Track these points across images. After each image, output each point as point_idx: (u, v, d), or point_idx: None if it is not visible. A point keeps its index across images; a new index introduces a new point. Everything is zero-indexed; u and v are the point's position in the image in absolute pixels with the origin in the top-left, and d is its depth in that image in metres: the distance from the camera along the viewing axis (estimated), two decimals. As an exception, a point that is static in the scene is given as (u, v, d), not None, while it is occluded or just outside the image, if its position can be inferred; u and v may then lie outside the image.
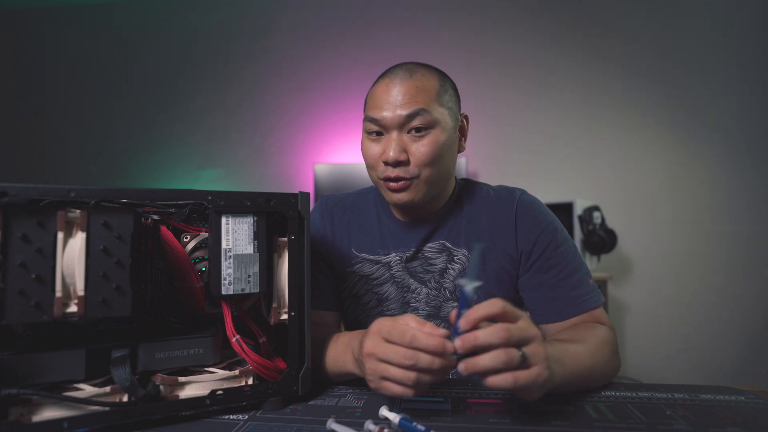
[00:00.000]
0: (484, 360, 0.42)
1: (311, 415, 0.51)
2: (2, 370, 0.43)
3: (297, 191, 0.55)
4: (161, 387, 0.49)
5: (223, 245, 0.51)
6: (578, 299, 0.69)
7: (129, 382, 0.46)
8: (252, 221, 0.53)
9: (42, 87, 3.02)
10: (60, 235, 0.44)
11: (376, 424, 0.45)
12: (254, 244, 0.53)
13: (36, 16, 3.03)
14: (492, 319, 0.45)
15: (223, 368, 0.54)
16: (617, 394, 0.57)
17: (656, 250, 2.45)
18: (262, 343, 0.56)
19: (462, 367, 0.43)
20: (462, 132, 0.75)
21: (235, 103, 2.86)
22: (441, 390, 0.59)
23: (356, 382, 0.61)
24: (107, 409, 0.45)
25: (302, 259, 0.56)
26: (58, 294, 0.43)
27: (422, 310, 0.75)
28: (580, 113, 2.56)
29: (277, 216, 0.57)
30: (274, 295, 0.55)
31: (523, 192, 0.77)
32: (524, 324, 0.45)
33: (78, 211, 0.45)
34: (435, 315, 0.75)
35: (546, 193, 2.46)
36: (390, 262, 0.76)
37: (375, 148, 0.70)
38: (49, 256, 0.43)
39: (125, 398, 0.47)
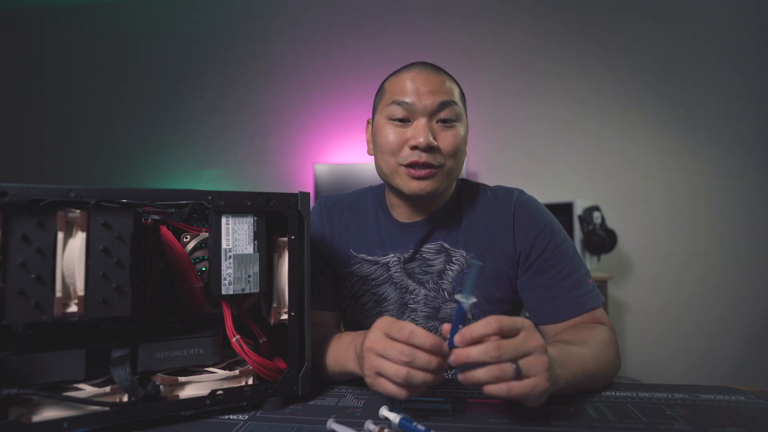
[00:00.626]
0: (479, 374, 0.44)
1: (311, 415, 0.51)
2: (2, 370, 0.43)
3: (297, 191, 0.55)
4: (161, 387, 0.49)
5: (223, 245, 0.51)
6: (577, 299, 0.69)
7: (129, 382, 0.46)
8: (252, 221, 0.53)
9: (42, 87, 3.02)
10: (60, 235, 0.44)
11: (376, 424, 0.45)
12: (254, 244, 0.53)
13: (36, 16, 3.03)
14: None
15: (223, 368, 0.54)
16: (617, 394, 0.57)
17: (656, 250, 2.45)
18: (262, 343, 0.56)
19: (460, 377, 0.45)
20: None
21: (235, 103, 2.86)
22: (441, 390, 0.59)
23: (356, 382, 0.61)
24: (107, 409, 0.45)
25: (302, 259, 0.56)
26: (58, 294, 0.43)
27: (421, 311, 0.75)
28: (580, 114, 2.56)
29: (277, 216, 0.57)
30: (274, 295, 0.55)
31: (521, 192, 0.77)
32: (523, 337, 0.45)
33: (78, 211, 0.45)
34: (434, 316, 0.75)
35: (546, 193, 2.47)
36: (388, 262, 0.76)
37: (399, 133, 0.69)
38: (49, 256, 0.43)
39: (125, 398, 0.47)
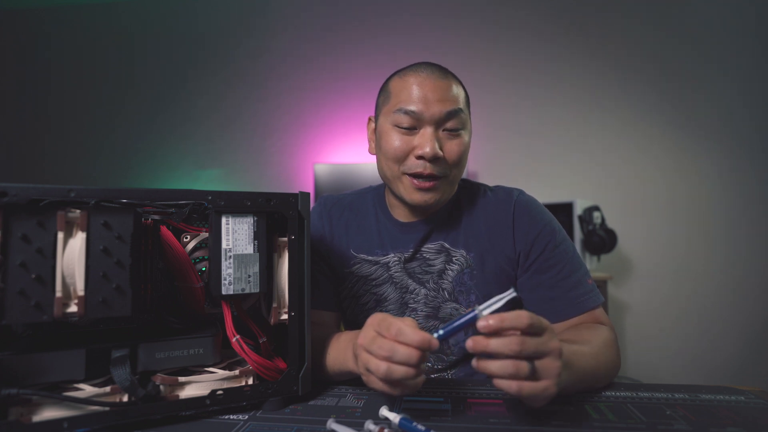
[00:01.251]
0: (493, 366, 0.43)
1: (311, 415, 0.51)
2: (2, 370, 0.43)
3: (297, 191, 0.55)
4: (161, 387, 0.49)
5: (223, 245, 0.51)
6: (577, 299, 0.69)
7: (129, 382, 0.46)
8: (252, 221, 0.53)
9: (42, 87, 3.02)
10: (60, 235, 0.44)
11: (376, 424, 0.45)
12: (254, 244, 0.53)
13: (37, 16, 3.03)
14: None
15: (223, 368, 0.54)
16: (617, 394, 0.57)
17: (656, 250, 2.45)
18: (262, 343, 0.56)
19: (475, 363, 0.44)
20: None
21: (235, 103, 2.86)
22: (441, 390, 0.59)
23: (356, 381, 0.61)
24: (107, 409, 0.45)
25: (302, 259, 0.56)
26: (58, 294, 0.43)
27: (421, 310, 0.75)
28: (580, 114, 2.56)
29: (277, 216, 0.57)
30: (274, 295, 0.55)
31: (521, 192, 0.77)
32: (545, 338, 0.44)
33: (78, 211, 0.45)
34: (434, 316, 0.75)
35: (546, 194, 2.47)
36: (389, 262, 0.76)
37: (405, 141, 0.68)
38: (49, 256, 0.43)
39: (125, 398, 0.47)
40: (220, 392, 0.50)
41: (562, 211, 2.23)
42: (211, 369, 0.53)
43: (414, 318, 0.75)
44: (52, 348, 0.46)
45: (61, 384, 0.47)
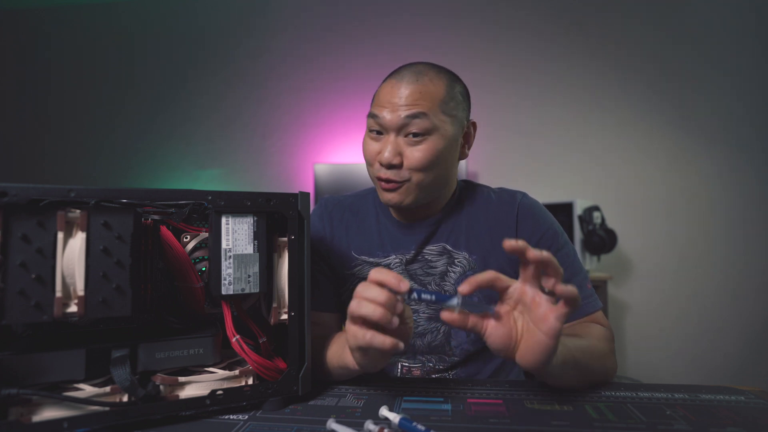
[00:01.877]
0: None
1: (311, 415, 0.51)
2: (2, 370, 0.43)
3: (297, 191, 0.55)
4: (161, 387, 0.49)
5: (223, 245, 0.51)
6: (577, 303, 0.69)
7: (129, 382, 0.46)
8: (252, 221, 0.53)
9: (42, 87, 3.02)
10: (60, 235, 0.44)
11: (376, 424, 0.45)
12: (254, 244, 0.53)
13: (36, 16, 3.03)
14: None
15: (223, 368, 0.54)
16: (617, 394, 0.57)
17: (656, 250, 2.45)
18: (262, 343, 0.56)
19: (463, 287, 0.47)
20: (467, 139, 0.75)
21: (235, 103, 2.86)
22: (441, 390, 0.59)
23: (356, 381, 0.61)
24: (107, 409, 0.45)
25: (302, 259, 0.56)
26: (58, 294, 0.43)
27: (423, 312, 0.75)
28: (580, 114, 2.56)
29: (277, 216, 0.57)
30: (274, 295, 0.55)
31: (524, 195, 0.77)
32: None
33: (78, 211, 0.45)
34: (435, 318, 0.75)
35: (546, 194, 2.47)
36: (390, 264, 0.76)
37: (374, 146, 0.71)
38: (49, 256, 0.43)
39: (125, 398, 0.47)
40: (220, 392, 0.50)
41: (562, 211, 2.23)
42: (211, 369, 0.53)
43: (416, 320, 0.75)
44: (52, 348, 0.46)
45: (61, 384, 0.47)
